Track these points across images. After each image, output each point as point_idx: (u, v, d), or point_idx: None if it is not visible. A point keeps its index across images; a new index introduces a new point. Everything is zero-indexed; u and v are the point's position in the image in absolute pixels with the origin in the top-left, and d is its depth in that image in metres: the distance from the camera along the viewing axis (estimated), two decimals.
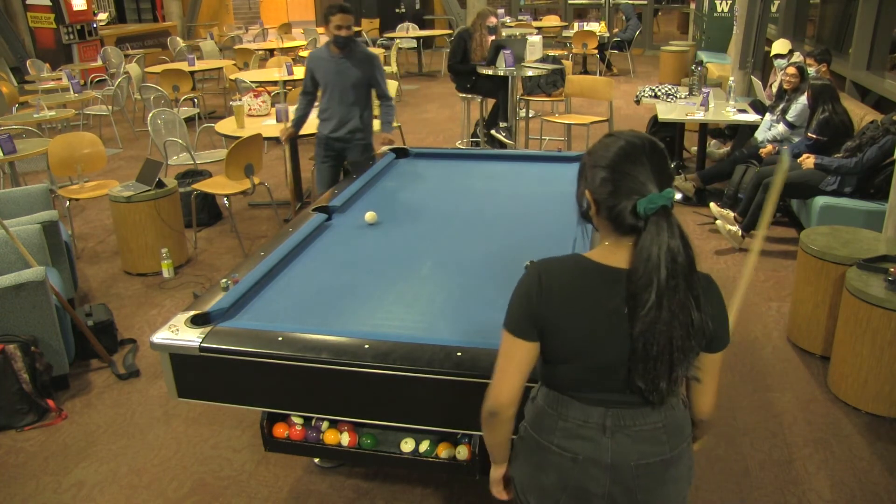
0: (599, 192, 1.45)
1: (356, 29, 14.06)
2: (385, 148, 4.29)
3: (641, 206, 1.40)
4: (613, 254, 1.47)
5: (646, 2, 13.91)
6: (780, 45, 6.95)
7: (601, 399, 1.50)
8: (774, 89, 5.92)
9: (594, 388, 1.50)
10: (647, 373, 1.43)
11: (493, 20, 6.87)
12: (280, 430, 2.32)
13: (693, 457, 1.65)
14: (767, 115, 5.80)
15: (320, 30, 13.61)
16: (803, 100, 5.36)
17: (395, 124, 6.46)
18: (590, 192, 1.48)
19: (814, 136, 4.96)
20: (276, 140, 5.12)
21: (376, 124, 4.76)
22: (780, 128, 5.48)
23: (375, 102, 4.74)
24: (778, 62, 6.62)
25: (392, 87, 6.62)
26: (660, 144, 1.48)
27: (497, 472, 1.72)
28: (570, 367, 1.49)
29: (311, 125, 4.85)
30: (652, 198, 1.40)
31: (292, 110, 5.01)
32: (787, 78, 5.51)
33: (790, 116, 5.43)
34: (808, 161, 4.80)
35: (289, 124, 4.77)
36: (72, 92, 7.90)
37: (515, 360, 1.51)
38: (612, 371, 1.46)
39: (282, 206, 5.84)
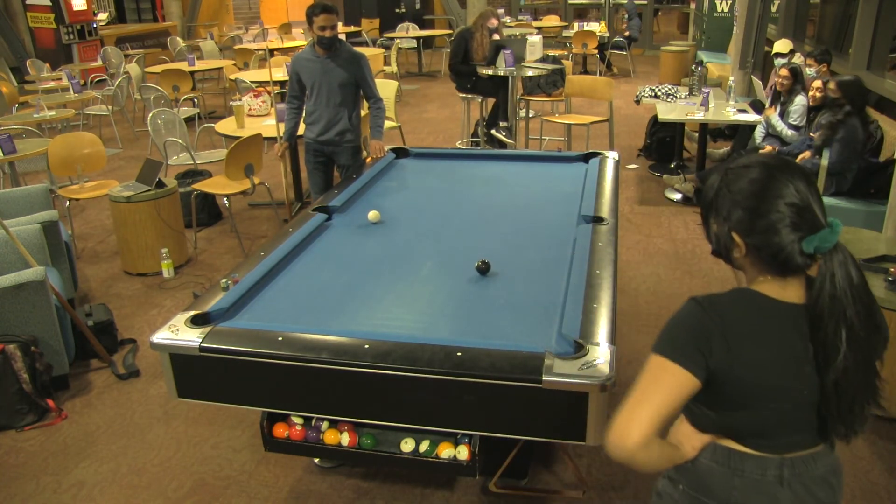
0: (755, 236, 1.30)
1: (356, 29, 14.08)
2: (384, 152, 4.21)
3: (811, 246, 1.26)
4: (784, 288, 1.33)
5: (646, 2, 13.91)
6: (782, 45, 6.95)
7: (776, 445, 1.37)
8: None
9: (772, 433, 1.36)
10: (845, 417, 1.32)
11: (494, 21, 6.87)
12: (280, 430, 2.32)
13: None
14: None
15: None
16: (801, 100, 5.37)
17: (395, 123, 6.47)
18: (738, 235, 1.32)
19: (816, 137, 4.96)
20: (276, 140, 5.11)
21: (366, 129, 4.60)
22: (789, 133, 5.41)
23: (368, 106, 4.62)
24: (778, 61, 6.61)
25: (392, 87, 6.65)
26: (794, 163, 1.34)
27: (681, 458, 1.44)
28: (749, 412, 1.34)
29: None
30: (824, 236, 1.25)
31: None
32: (780, 80, 5.51)
33: (793, 119, 5.41)
34: (767, 149, 5.10)
35: (282, 138, 4.63)
36: (72, 92, 7.90)
37: (665, 390, 1.28)
38: (796, 413, 1.34)
39: (282, 206, 5.84)
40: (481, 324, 2.29)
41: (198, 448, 3.08)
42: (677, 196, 5.94)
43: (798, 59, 6.65)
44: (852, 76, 4.73)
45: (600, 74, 11.43)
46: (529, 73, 6.63)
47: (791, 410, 1.34)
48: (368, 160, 4.26)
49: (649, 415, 1.27)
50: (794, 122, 5.41)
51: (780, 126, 5.46)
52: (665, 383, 1.29)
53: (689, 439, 1.43)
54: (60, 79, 9.07)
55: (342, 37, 4.53)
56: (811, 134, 5.02)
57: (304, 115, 4.57)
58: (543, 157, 4.40)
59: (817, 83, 5.09)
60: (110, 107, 8.62)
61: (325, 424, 2.31)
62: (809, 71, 6.10)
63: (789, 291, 1.33)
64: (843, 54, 7.38)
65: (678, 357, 1.30)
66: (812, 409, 1.34)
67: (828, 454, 1.41)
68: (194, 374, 2.21)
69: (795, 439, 1.37)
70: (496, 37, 6.83)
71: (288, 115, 4.58)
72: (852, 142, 4.54)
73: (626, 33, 11.99)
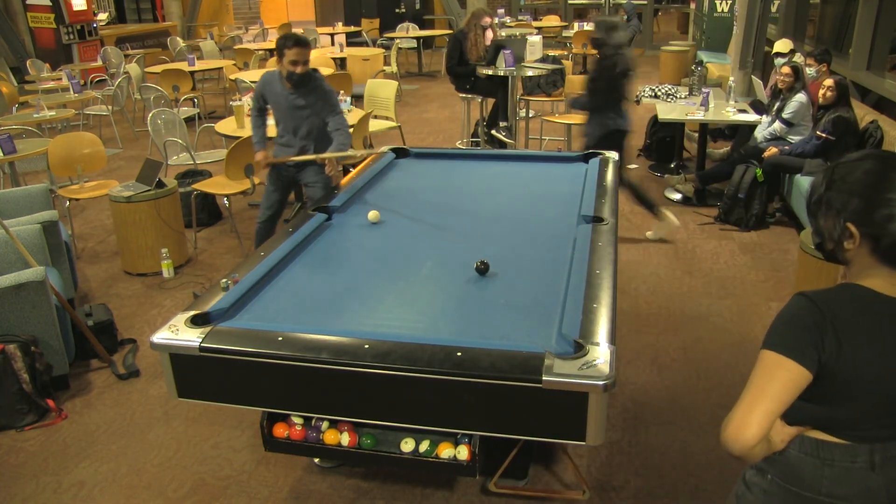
0: (872, 225, 1.32)
1: (356, 29, 14.04)
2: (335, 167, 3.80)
3: None
4: (889, 283, 1.35)
5: (646, 2, 13.91)
6: (782, 45, 6.94)
7: (867, 436, 1.39)
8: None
9: (866, 425, 1.39)
10: None
11: (487, 20, 6.86)
12: (280, 430, 2.32)
13: None
14: (765, 115, 5.82)
15: (320, 30, 13.61)
16: (799, 97, 5.38)
17: (395, 123, 6.46)
18: (854, 225, 1.34)
19: (823, 136, 4.96)
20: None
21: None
22: (777, 125, 5.51)
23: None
24: (778, 61, 6.61)
25: (392, 87, 6.65)
26: None
27: (772, 450, 1.46)
28: (849, 406, 1.37)
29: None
30: None
31: None
32: (782, 77, 5.53)
33: (786, 114, 5.45)
34: (771, 150, 5.27)
35: (255, 148, 4.29)
36: (72, 92, 7.90)
37: (780, 386, 1.31)
38: (893, 406, 1.36)
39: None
40: (481, 324, 2.29)
41: (198, 448, 3.08)
42: (677, 196, 5.94)
43: (798, 58, 6.64)
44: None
45: None
46: (529, 73, 6.63)
47: (889, 404, 1.35)
48: (328, 171, 4.03)
49: (765, 411, 1.31)
50: (787, 118, 5.43)
51: (767, 131, 5.56)
52: (780, 379, 1.32)
53: (779, 433, 1.45)
54: (60, 79, 9.07)
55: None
56: (819, 133, 5.02)
57: (269, 124, 4.34)
58: (543, 157, 4.40)
59: (829, 81, 5.09)
60: (110, 107, 8.62)
61: (325, 424, 2.31)
62: (809, 70, 6.11)
63: (894, 286, 1.35)
64: (843, 54, 7.39)
65: (793, 353, 1.32)
66: None
67: None
68: (194, 374, 2.21)
69: (885, 432, 1.39)
70: (488, 34, 6.82)
71: (254, 127, 4.31)
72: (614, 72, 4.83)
73: None
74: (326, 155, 4.03)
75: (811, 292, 1.37)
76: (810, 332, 1.33)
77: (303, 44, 3.84)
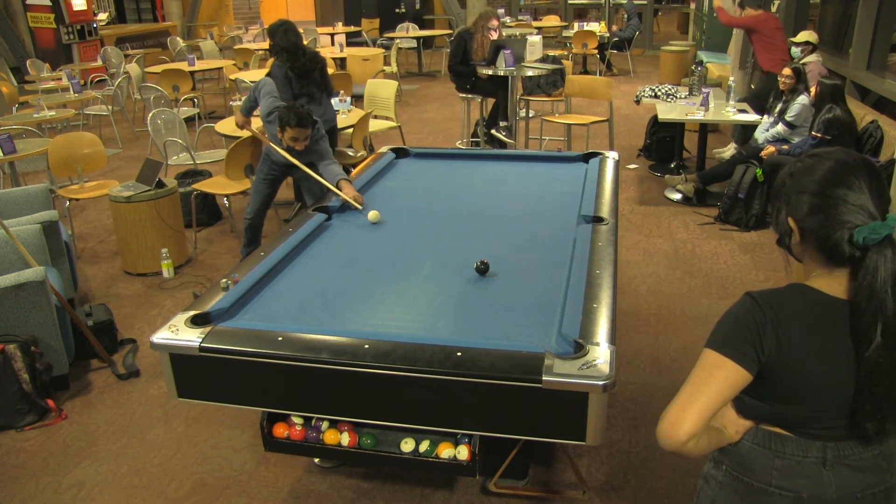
0: (808, 220, 1.33)
1: (356, 29, 14.01)
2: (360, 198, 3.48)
3: (860, 235, 1.27)
4: (833, 282, 1.35)
5: (646, 2, 13.91)
6: (805, 36, 6.84)
7: (820, 433, 1.39)
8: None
9: (818, 423, 1.39)
10: (874, 413, 1.32)
11: (494, 21, 6.87)
12: (280, 430, 2.32)
13: None
14: (766, 115, 5.81)
15: (320, 30, 13.61)
16: (801, 99, 5.38)
17: (395, 123, 6.46)
18: (794, 221, 1.37)
19: (818, 135, 4.97)
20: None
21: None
22: (780, 127, 5.51)
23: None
24: (794, 51, 6.51)
25: (392, 87, 6.65)
26: (873, 163, 1.35)
27: (726, 441, 1.48)
28: (798, 406, 1.37)
29: None
30: (875, 227, 1.26)
31: None
32: (783, 79, 5.53)
33: (789, 116, 5.44)
34: (769, 149, 5.31)
35: (239, 116, 4.46)
36: (72, 92, 7.90)
37: (717, 384, 1.33)
38: (843, 407, 1.35)
39: (282, 207, 5.84)
40: (481, 324, 2.29)
41: (198, 448, 3.08)
42: (677, 196, 5.94)
43: (814, 56, 6.54)
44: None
45: (600, 74, 11.42)
46: (529, 73, 6.63)
47: (837, 403, 1.35)
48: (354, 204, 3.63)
49: (700, 409, 1.32)
50: (790, 120, 5.43)
51: (770, 133, 5.56)
52: (717, 378, 1.33)
53: (734, 424, 1.47)
54: (60, 79, 9.07)
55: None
56: (814, 133, 5.02)
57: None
58: (543, 157, 4.40)
59: (787, 70, 5.22)
60: (110, 107, 8.62)
61: (325, 424, 2.31)
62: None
63: (838, 286, 1.35)
64: (843, 54, 7.38)
65: (731, 352, 1.33)
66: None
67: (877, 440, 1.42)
68: (194, 374, 2.21)
69: (838, 432, 1.39)
70: (494, 35, 6.83)
71: (246, 101, 4.43)
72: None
73: (606, 30, 11.80)
74: (314, 175, 3.90)
75: (757, 292, 1.38)
76: (749, 332, 1.34)
77: (305, 124, 3.89)
